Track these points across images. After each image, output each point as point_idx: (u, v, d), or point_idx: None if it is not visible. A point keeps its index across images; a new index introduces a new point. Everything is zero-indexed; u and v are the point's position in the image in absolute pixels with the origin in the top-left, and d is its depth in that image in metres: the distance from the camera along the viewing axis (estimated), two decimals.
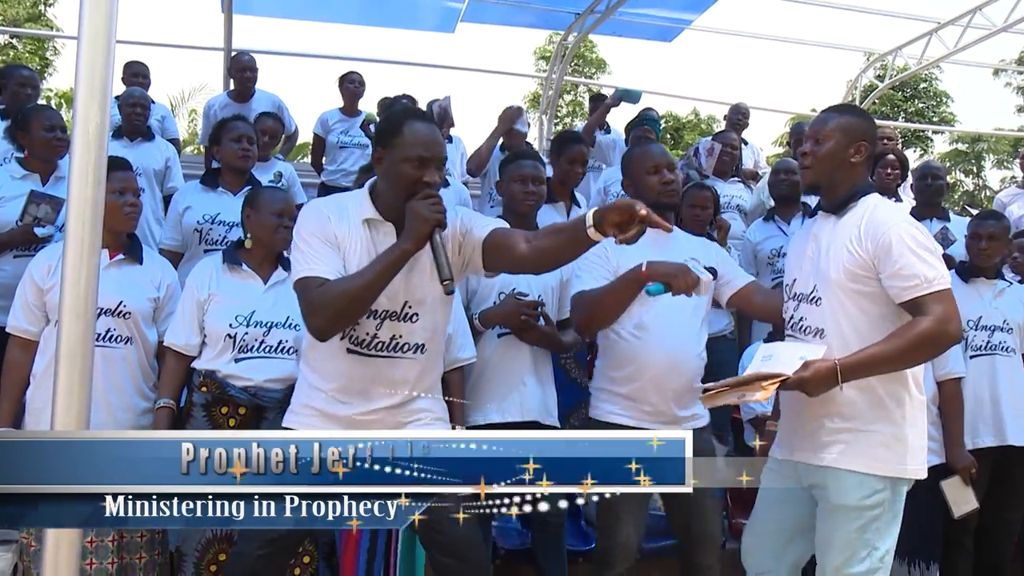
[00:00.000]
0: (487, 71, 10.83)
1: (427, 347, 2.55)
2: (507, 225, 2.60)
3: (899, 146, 6.78)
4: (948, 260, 4.47)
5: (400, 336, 2.51)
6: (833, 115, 2.67)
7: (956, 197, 27.68)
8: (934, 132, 27.20)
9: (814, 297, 2.62)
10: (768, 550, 2.76)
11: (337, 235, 2.45)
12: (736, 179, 5.84)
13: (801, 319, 2.66)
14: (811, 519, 2.65)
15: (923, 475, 2.59)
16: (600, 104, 7.09)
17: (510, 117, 5.36)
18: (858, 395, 2.53)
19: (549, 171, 5.37)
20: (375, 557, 3.31)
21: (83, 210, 1.58)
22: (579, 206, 4.73)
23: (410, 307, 2.50)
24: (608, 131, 7.09)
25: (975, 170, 28.15)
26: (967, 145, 27.59)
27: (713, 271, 2.88)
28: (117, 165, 3.14)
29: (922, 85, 27.62)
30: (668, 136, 29.25)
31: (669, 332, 2.94)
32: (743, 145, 6.77)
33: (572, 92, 27.89)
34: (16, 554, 3.07)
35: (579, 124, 9.45)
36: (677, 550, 3.24)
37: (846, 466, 2.53)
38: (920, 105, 28.09)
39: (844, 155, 2.61)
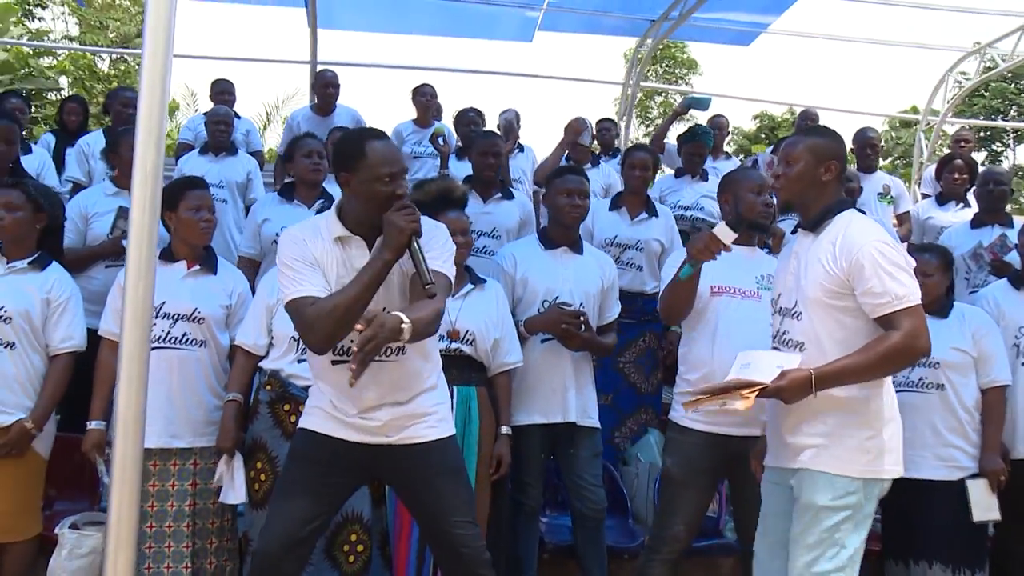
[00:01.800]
0: (566, 79, 10.99)
1: (406, 349, 2.65)
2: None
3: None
4: (1004, 267, 4.49)
5: None
6: (802, 138, 2.84)
7: None
8: None
9: (795, 312, 2.76)
10: (779, 559, 2.82)
11: (315, 255, 2.62)
12: None
13: (784, 332, 2.80)
14: None
15: (898, 474, 2.69)
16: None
17: (574, 130, 5.47)
18: (834, 401, 2.64)
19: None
20: (427, 547, 3.56)
21: (142, 236, 1.88)
22: (656, 214, 4.88)
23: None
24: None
25: None
26: None
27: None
28: (194, 184, 3.47)
29: None
30: (763, 136, 28.91)
31: (741, 335, 3.09)
32: None
33: (664, 95, 27.90)
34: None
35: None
36: (739, 543, 3.47)
37: (818, 467, 2.64)
38: None
39: (814, 174, 2.76)
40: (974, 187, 5.60)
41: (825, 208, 2.77)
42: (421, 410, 2.74)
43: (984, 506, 3.52)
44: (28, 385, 3.34)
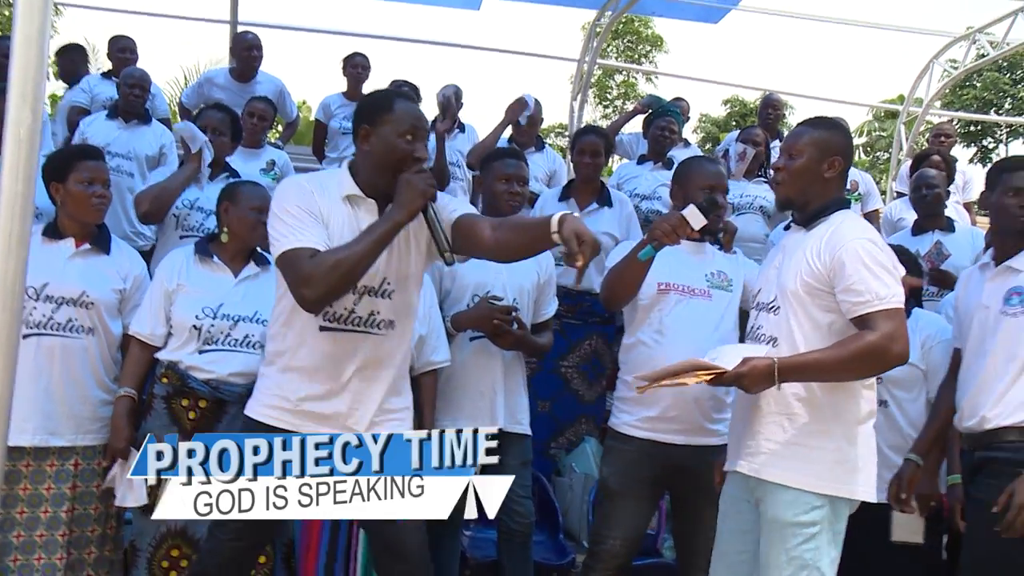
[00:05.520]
0: (516, 52, 11.01)
1: (395, 323, 2.79)
2: (476, 211, 2.83)
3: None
4: (944, 276, 4.58)
5: (378, 312, 2.75)
6: (807, 129, 2.90)
7: None
8: None
9: (773, 306, 2.84)
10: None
11: (321, 209, 2.67)
12: (761, 178, 6.01)
13: (759, 327, 2.89)
14: None
15: (871, 498, 2.75)
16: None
17: (514, 110, 5.49)
18: (803, 408, 2.72)
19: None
20: (336, 559, 3.58)
21: (14, 205, 1.87)
22: (609, 204, 4.94)
23: (388, 284, 2.75)
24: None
25: None
26: None
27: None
28: (87, 154, 3.44)
29: None
30: (734, 123, 29.31)
31: (689, 336, 3.17)
32: (780, 139, 6.93)
33: (624, 73, 28.10)
34: None
35: (630, 107, 9.53)
36: (677, 561, 3.56)
37: (783, 481, 2.70)
38: None
39: (817, 170, 2.83)
40: (911, 192, 5.65)
41: (823, 206, 2.84)
42: (389, 404, 2.82)
43: (907, 527, 3.51)
44: None
